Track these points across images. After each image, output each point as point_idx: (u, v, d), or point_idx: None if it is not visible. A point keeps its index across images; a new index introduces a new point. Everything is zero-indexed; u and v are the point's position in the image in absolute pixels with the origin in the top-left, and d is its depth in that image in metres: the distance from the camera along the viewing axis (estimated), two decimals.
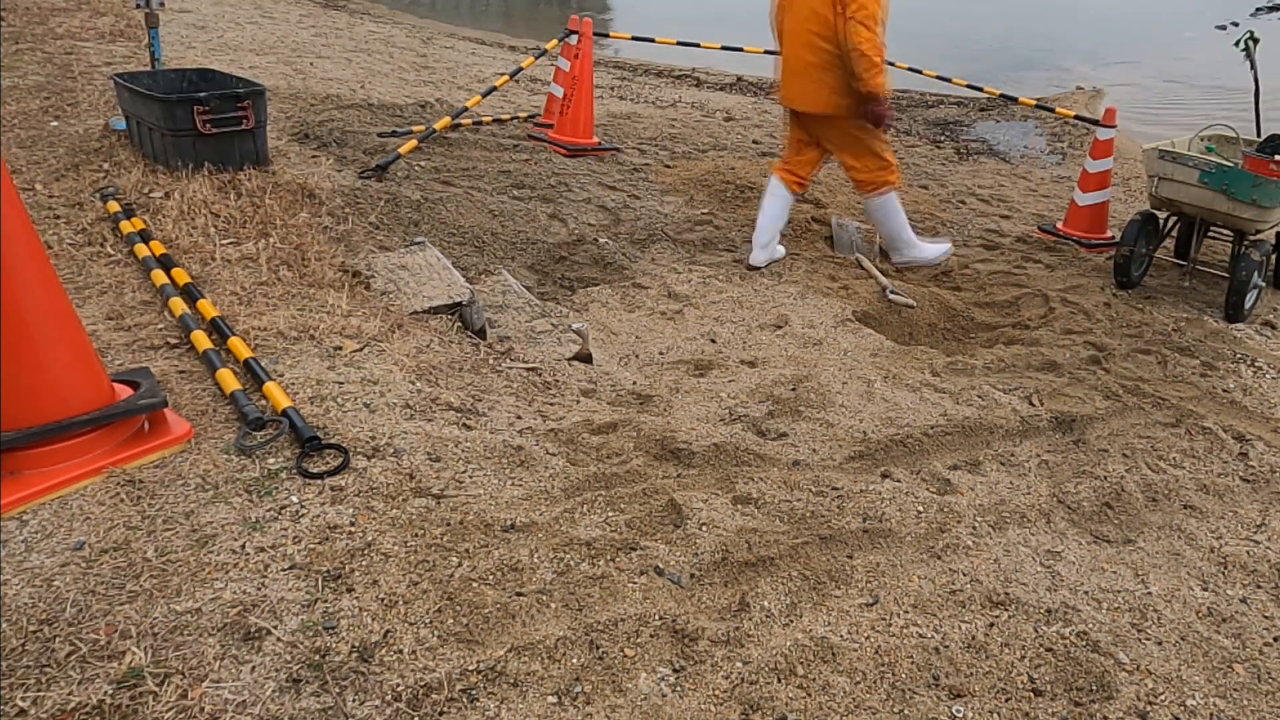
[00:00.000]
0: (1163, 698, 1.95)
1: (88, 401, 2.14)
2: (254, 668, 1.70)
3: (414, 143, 5.04)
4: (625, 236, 4.74)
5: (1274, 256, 4.73)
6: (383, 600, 1.90)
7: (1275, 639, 2.21)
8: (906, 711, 1.83)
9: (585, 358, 3.40)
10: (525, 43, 11.34)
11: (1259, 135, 4.87)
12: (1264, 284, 4.55)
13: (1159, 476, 2.90)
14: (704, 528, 2.27)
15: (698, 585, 2.10)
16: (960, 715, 1.84)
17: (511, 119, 6.46)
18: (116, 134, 4.47)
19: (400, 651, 1.79)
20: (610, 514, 2.30)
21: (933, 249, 4.88)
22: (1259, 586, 2.43)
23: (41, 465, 2.08)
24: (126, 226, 3.47)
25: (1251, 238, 4.38)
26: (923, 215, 5.71)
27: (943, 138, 8.30)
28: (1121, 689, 1.95)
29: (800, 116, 4.59)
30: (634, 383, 3.31)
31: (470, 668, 1.77)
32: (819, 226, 5.25)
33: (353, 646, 1.78)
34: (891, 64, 7.44)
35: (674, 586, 2.08)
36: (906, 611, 2.10)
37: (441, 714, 1.68)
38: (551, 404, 2.95)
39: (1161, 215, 4.72)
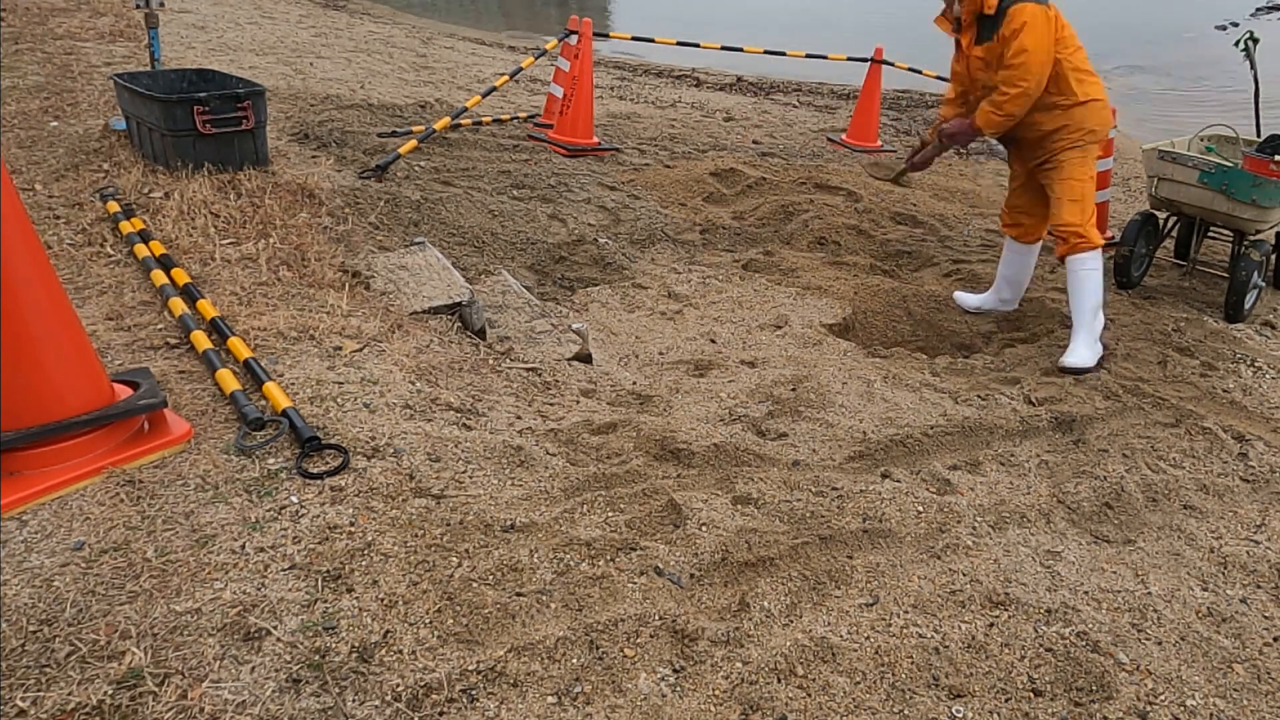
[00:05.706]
0: (1163, 698, 1.95)
1: (88, 402, 2.14)
2: (254, 668, 1.70)
3: (414, 143, 5.04)
4: (625, 236, 4.74)
5: (1274, 256, 4.73)
6: (383, 600, 1.90)
7: (1275, 639, 2.21)
8: (906, 711, 1.83)
9: (585, 358, 3.40)
10: (525, 42, 11.34)
11: (1259, 135, 4.87)
12: (1264, 284, 4.55)
13: (1159, 476, 2.90)
14: (704, 528, 2.27)
15: (698, 585, 2.10)
16: (960, 715, 1.84)
17: (511, 119, 6.46)
18: (116, 134, 4.47)
19: (400, 652, 1.79)
20: (610, 514, 2.30)
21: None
22: (1259, 586, 2.43)
23: (41, 465, 2.08)
24: (126, 227, 3.47)
25: (1251, 238, 4.38)
26: (923, 215, 5.71)
27: None
28: (1121, 689, 1.95)
29: None
30: (634, 383, 3.31)
31: (470, 668, 1.77)
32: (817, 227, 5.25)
33: (353, 647, 1.78)
34: (891, 64, 7.49)
35: (674, 586, 2.08)
36: (906, 611, 2.10)
37: (441, 714, 1.68)
38: (551, 404, 2.95)
39: (1161, 215, 4.72)
